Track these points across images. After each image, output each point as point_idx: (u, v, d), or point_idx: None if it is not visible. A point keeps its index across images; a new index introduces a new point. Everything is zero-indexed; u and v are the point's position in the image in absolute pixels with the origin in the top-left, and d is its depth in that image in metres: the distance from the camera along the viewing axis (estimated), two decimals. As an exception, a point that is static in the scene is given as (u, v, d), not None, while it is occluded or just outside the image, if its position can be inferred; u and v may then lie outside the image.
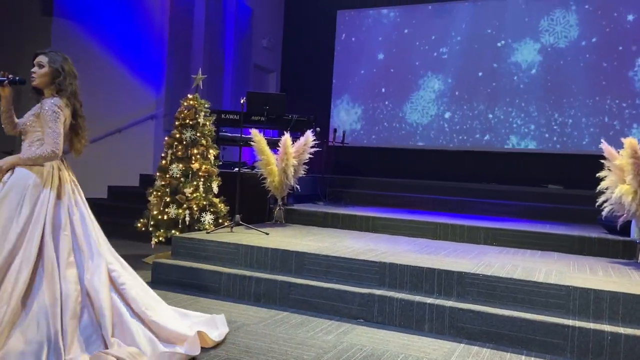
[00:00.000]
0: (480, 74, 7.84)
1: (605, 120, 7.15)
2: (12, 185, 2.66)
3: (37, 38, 7.30)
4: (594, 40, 7.24)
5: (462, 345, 3.00)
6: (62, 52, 2.94)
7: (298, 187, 5.31)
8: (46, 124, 2.76)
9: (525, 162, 7.52)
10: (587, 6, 7.28)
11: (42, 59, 2.84)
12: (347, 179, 7.33)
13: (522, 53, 7.60)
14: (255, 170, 5.45)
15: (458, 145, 7.94)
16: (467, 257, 3.90)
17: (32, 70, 2.83)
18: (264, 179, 5.23)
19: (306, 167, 5.41)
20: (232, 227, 4.60)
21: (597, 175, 4.09)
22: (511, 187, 6.70)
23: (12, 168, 2.71)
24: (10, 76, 2.81)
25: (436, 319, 3.18)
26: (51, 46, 7.25)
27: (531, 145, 7.53)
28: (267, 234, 4.50)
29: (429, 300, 3.24)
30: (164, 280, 4.00)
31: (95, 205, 6.86)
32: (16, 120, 2.87)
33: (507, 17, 7.74)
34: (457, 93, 7.97)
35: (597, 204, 4.08)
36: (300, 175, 5.36)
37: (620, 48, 7.07)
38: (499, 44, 7.76)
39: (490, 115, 7.78)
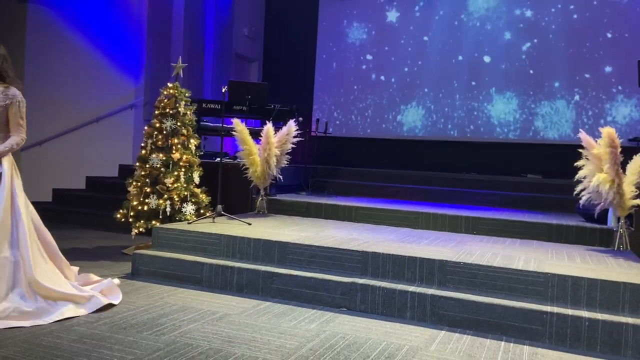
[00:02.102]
0: (460, 58, 7.88)
1: (584, 110, 7.26)
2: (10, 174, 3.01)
3: (12, 25, 7.10)
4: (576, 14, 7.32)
5: (443, 332, 3.03)
6: None
7: (281, 177, 5.29)
8: (17, 114, 2.99)
9: (504, 152, 7.61)
10: None
11: None
12: (330, 169, 7.33)
13: (502, 37, 7.66)
14: (237, 160, 5.41)
15: (439, 136, 7.99)
16: (448, 246, 3.93)
17: None
18: (246, 169, 5.20)
19: (289, 157, 5.39)
20: (214, 218, 4.57)
21: (575, 164, 4.16)
22: (491, 177, 6.78)
23: None
24: None
25: (418, 307, 3.20)
26: (26, 33, 7.10)
27: (511, 135, 7.61)
28: (250, 224, 4.47)
29: (411, 289, 3.26)
30: (144, 272, 3.96)
31: (73, 196, 6.83)
32: None
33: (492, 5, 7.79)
34: (438, 83, 8.00)
35: (575, 192, 4.15)
36: (283, 166, 5.34)
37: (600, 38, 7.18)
38: (478, 29, 7.80)
39: (471, 106, 7.83)
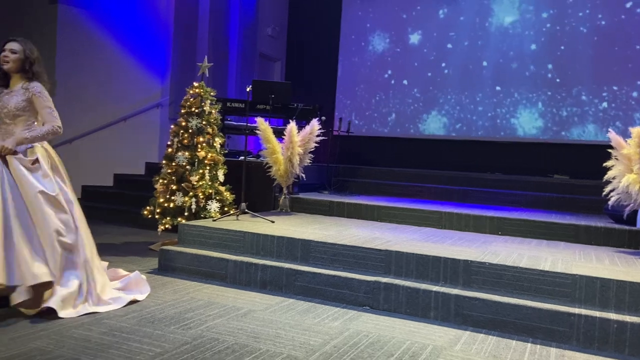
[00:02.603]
0: (485, 64, 7.79)
1: (613, 109, 7.10)
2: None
3: (43, 25, 7.30)
4: (603, 23, 7.17)
5: (467, 332, 3.01)
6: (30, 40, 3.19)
7: (303, 175, 5.32)
8: (44, 104, 3.07)
9: (531, 152, 7.49)
10: None
11: (14, 45, 3.08)
12: (352, 169, 7.33)
13: (529, 39, 7.54)
14: (261, 158, 5.46)
15: (463, 135, 7.91)
16: (472, 246, 3.90)
17: (4, 55, 3.07)
18: (270, 167, 5.24)
19: (311, 156, 5.41)
20: (237, 215, 4.62)
21: (604, 164, 4.08)
22: (517, 177, 6.68)
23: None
24: None
25: (442, 307, 3.19)
26: (57, 34, 7.29)
27: (537, 135, 7.49)
28: (273, 222, 4.51)
29: (435, 288, 3.25)
30: (170, 267, 4.03)
31: (102, 192, 6.98)
32: None
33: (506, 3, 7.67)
34: (462, 88, 7.91)
35: (604, 193, 4.07)
36: (306, 164, 5.37)
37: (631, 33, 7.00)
38: (503, 35, 7.69)
39: (496, 105, 7.73)
